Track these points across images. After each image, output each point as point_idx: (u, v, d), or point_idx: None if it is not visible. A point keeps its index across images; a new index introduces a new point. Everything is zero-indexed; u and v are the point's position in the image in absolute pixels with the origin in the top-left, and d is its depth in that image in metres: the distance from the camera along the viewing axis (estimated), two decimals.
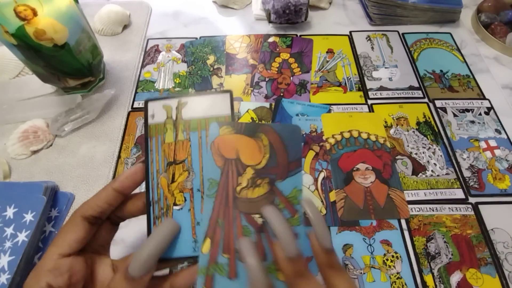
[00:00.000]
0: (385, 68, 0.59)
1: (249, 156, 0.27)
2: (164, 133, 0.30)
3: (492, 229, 0.42)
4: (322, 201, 0.44)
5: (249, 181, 0.27)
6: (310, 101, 0.54)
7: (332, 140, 0.49)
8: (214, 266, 0.25)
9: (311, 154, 0.48)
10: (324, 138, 0.49)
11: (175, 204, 0.27)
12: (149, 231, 0.27)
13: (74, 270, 0.25)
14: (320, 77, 0.57)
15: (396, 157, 0.48)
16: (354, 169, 0.46)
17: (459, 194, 0.45)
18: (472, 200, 0.44)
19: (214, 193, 0.26)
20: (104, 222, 0.28)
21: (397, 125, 0.51)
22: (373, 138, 0.49)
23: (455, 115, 0.52)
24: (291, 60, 0.60)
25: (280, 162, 0.27)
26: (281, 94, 0.55)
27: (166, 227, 0.25)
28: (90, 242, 0.27)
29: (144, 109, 0.30)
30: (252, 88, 0.56)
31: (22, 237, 0.39)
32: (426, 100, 0.55)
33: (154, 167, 0.29)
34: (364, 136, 0.49)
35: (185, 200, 0.28)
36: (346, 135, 0.49)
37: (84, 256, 0.26)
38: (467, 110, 0.53)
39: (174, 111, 0.30)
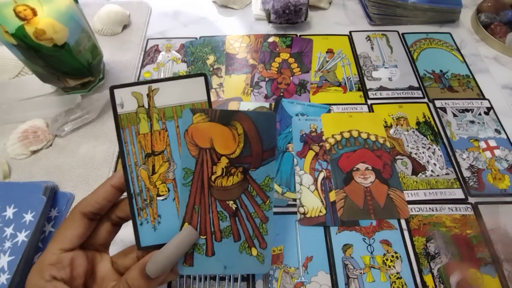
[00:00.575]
0: (385, 68, 0.59)
1: (224, 146, 0.28)
2: (138, 123, 0.29)
3: (491, 229, 0.42)
4: (322, 201, 0.44)
5: (224, 170, 0.28)
6: (310, 101, 0.54)
7: (332, 140, 0.49)
8: (193, 246, 0.28)
9: (311, 154, 0.48)
10: (323, 138, 0.49)
11: (158, 195, 0.28)
12: (134, 223, 0.27)
13: (75, 264, 0.26)
14: (320, 77, 0.57)
15: (396, 157, 0.48)
16: (354, 169, 0.46)
17: (458, 194, 0.45)
18: (472, 200, 0.44)
19: (189, 182, 0.28)
20: (105, 222, 0.29)
21: (397, 125, 0.51)
22: (373, 138, 0.49)
23: (454, 115, 0.52)
24: (291, 60, 0.60)
25: (254, 151, 0.28)
26: (281, 94, 0.55)
27: (187, 234, 0.26)
28: (91, 241, 0.28)
29: (111, 97, 0.28)
30: (252, 88, 0.56)
31: (22, 237, 0.39)
32: (426, 100, 0.55)
33: (132, 160, 0.28)
34: (364, 136, 0.49)
35: (169, 190, 0.28)
36: (346, 135, 0.49)
37: (85, 252, 0.27)
38: (467, 110, 0.53)
39: (145, 99, 0.29)
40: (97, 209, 0.27)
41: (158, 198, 0.28)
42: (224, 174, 0.28)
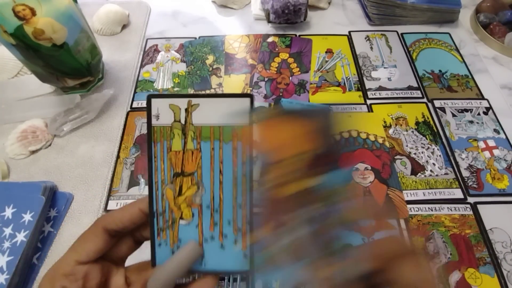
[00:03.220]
0: (384, 68, 0.59)
1: (299, 143, 0.27)
2: (171, 138, 0.27)
3: (490, 229, 0.42)
4: None
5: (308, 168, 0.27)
6: (309, 101, 0.54)
7: None
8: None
9: None
10: None
11: (181, 218, 0.26)
12: (152, 243, 0.26)
13: (89, 277, 0.26)
14: (319, 77, 0.57)
15: (395, 157, 0.48)
16: (353, 169, 0.46)
17: (457, 194, 0.45)
18: (470, 200, 0.44)
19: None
20: (127, 238, 0.28)
21: (396, 125, 0.51)
22: (372, 138, 0.49)
23: (454, 115, 0.52)
24: (290, 60, 0.60)
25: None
26: (280, 94, 0.55)
27: (190, 250, 0.25)
28: (109, 253, 0.28)
29: (147, 107, 0.26)
30: (251, 88, 0.56)
31: (21, 237, 0.39)
32: (425, 100, 0.55)
33: (159, 176, 0.26)
34: (363, 136, 0.49)
35: (193, 215, 0.26)
36: (345, 135, 0.49)
37: (101, 264, 0.27)
38: (466, 110, 0.53)
39: (183, 113, 0.27)
40: (121, 228, 0.26)
41: (180, 221, 0.26)
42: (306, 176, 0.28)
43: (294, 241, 0.23)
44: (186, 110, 0.27)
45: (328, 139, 0.26)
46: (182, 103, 0.26)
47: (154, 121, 0.27)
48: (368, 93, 0.55)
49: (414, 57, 0.60)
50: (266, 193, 0.24)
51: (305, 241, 0.23)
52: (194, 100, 0.26)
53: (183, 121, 0.27)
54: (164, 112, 0.27)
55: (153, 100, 0.26)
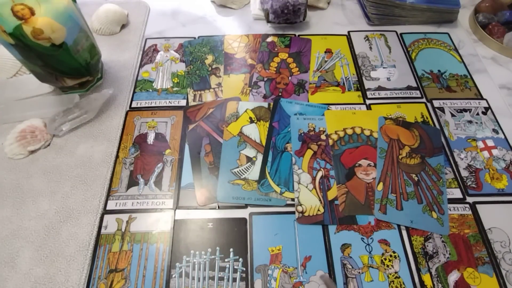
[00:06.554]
0: (383, 68, 0.59)
1: (406, 139, 0.45)
2: (112, 242, 0.36)
3: (489, 229, 0.42)
4: (320, 200, 0.44)
5: (407, 153, 0.44)
6: (308, 101, 0.54)
7: (335, 136, 0.49)
8: (386, 199, 0.41)
9: (309, 153, 0.48)
10: (327, 133, 0.49)
11: None
12: None
13: None
14: (318, 77, 0.58)
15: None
16: (356, 165, 0.46)
17: (456, 193, 0.45)
18: (469, 199, 0.44)
19: (383, 156, 0.44)
20: None
21: None
22: (375, 135, 0.49)
23: (452, 115, 0.52)
24: (290, 60, 0.60)
25: (427, 146, 0.45)
26: (280, 94, 0.55)
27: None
28: None
29: (100, 220, 0.38)
30: (250, 88, 0.56)
31: None
32: (424, 100, 0.55)
33: (97, 273, 0.35)
34: (367, 133, 0.49)
35: None
36: (349, 131, 0.49)
37: None
38: (465, 110, 0.53)
39: (124, 224, 0.38)
40: None
41: None
42: (407, 156, 0.43)
43: None
44: (127, 221, 0.38)
45: (434, 141, 0.46)
46: (124, 216, 0.39)
47: (103, 230, 0.38)
48: (367, 93, 0.55)
49: (413, 57, 0.60)
50: None
51: None
52: (133, 215, 0.39)
53: (123, 230, 0.38)
54: (111, 224, 0.38)
55: (105, 216, 0.38)
